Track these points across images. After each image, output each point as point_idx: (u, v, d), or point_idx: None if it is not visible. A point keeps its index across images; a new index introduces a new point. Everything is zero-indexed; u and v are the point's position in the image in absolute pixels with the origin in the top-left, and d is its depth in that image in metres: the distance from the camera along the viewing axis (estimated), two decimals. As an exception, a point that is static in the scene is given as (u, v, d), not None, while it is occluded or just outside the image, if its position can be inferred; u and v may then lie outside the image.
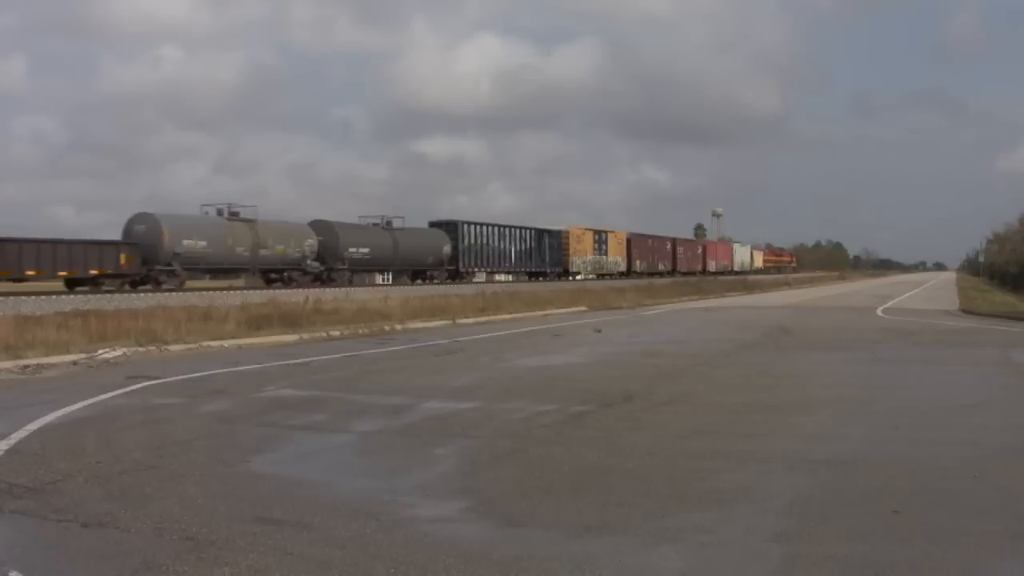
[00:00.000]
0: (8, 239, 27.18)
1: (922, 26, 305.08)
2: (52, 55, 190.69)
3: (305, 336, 17.44)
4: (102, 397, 9.16)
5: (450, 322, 22.29)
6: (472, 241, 46.71)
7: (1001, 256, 66.07)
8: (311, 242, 36.81)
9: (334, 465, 6.38)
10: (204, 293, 27.77)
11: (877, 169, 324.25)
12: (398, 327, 20.02)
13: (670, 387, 9.99)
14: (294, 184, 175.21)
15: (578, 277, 54.43)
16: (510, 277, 48.59)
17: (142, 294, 26.40)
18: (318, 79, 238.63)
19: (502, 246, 49.34)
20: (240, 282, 34.24)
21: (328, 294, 27.73)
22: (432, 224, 46.08)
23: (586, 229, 58.61)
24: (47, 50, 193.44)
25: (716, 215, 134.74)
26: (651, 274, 61.70)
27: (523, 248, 51.23)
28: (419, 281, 41.92)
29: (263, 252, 34.63)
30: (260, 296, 26.74)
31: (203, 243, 32.38)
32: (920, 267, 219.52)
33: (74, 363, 12.52)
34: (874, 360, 13.02)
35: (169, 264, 31.23)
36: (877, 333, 18.57)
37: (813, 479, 5.59)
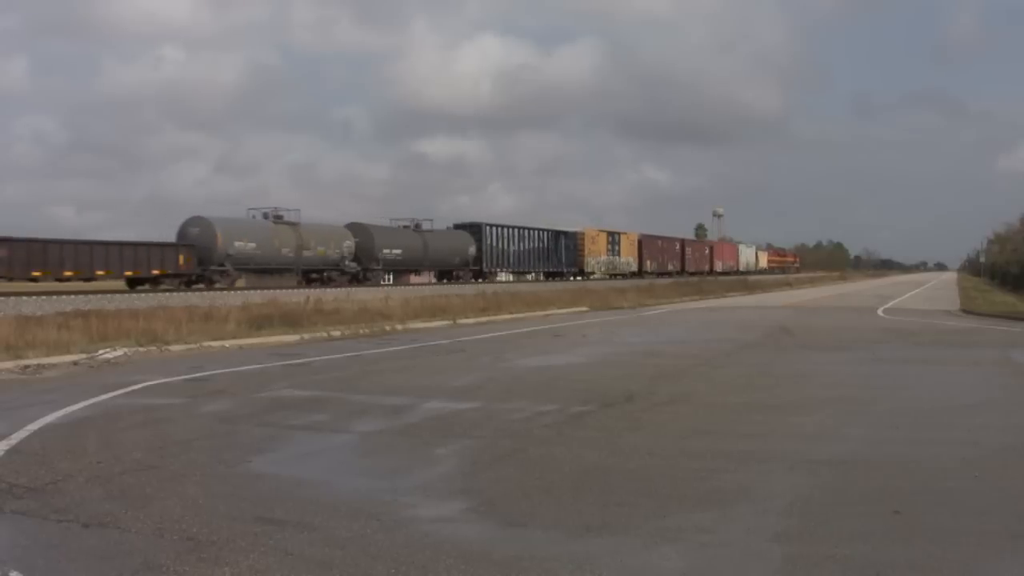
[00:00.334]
0: (82, 241, 29.59)
1: (922, 26, 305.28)
2: (53, 55, 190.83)
3: (306, 336, 17.44)
4: (103, 397, 9.16)
5: (451, 322, 22.29)
6: (494, 242, 48.31)
7: (1002, 256, 66.02)
8: (349, 243, 38.48)
9: (335, 465, 6.39)
10: (205, 293, 27.82)
11: (877, 169, 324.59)
12: (399, 327, 20.02)
13: (671, 387, 9.99)
14: (295, 184, 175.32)
15: (593, 277, 55.70)
16: (531, 276, 50.62)
17: (142, 294, 26.43)
18: (319, 79, 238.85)
19: (522, 247, 50.98)
20: (290, 281, 35.86)
21: (329, 294, 27.76)
22: (457, 226, 47.67)
23: (600, 231, 60.37)
24: (48, 50, 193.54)
25: (717, 215, 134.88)
26: (660, 274, 63.16)
27: (541, 249, 52.80)
28: (445, 281, 43.60)
29: (306, 253, 36.50)
30: (261, 296, 26.75)
31: (252, 245, 34.17)
32: (921, 267, 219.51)
33: (75, 363, 12.53)
34: (875, 360, 13.02)
35: (222, 264, 32.93)
36: (878, 333, 18.57)
37: (814, 479, 5.59)
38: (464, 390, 9.87)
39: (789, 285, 63.97)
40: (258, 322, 18.61)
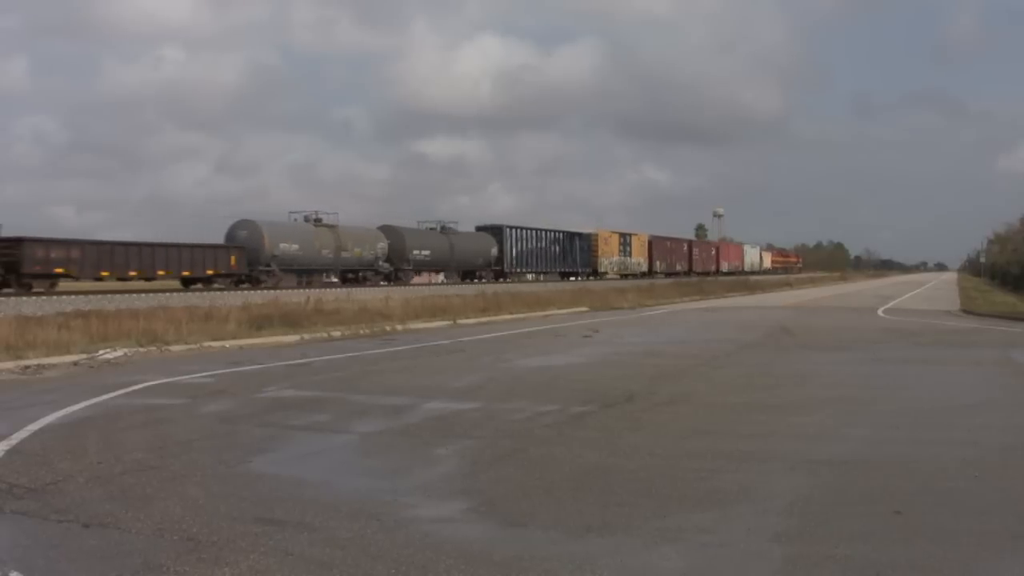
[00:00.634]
0: (144, 244, 31.88)
1: (922, 26, 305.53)
2: (54, 56, 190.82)
3: (306, 336, 17.45)
4: (103, 397, 9.17)
5: (451, 322, 22.30)
6: (514, 244, 50.20)
7: (1002, 256, 65.99)
8: (383, 245, 40.73)
9: (335, 465, 6.38)
10: (205, 294, 27.84)
11: (877, 169, 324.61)
12: (399, 327, 20.02)
13: (671, 387, 9.99)
14: (295, 184, 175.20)
15: (606, 277, 57.28)
16: (553, 276, 52.62)
17: (142, 294, 26.44)
18: (319, 79, 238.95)
19: (539, 248, 52.93)
20: (329, 281, 38.08)
21: (329, 294, 27.78)
22: (479, 228, 49.77)
23: (612, 232, 62.30)
24: (49, 51, 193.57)
25: (717, 215, 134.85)
26: (668, 274, 65.08)
27: (557, 250, 54.68)
28: (468, 280, 45.36)
29: (344, 254, 38.73)
30: (261, 296, 26.78)
31: (295, 246, 36.30)
32: (921, 267, 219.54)
33: (75, 363, 12.53)
34: (875, 360, 13.02)
35: (268, 265, 35.08)
36: (878, 333, 18.57)
37: (814, 479, 5.58)
38: (464, 390, 9.87)
39: (789, 285, 64.03)
40: (258, 322, 18.60)
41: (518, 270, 50.10)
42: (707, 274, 71.51)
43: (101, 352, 13.29)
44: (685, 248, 75.02)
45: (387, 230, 42.00)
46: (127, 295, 26.06)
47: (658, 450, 6.45)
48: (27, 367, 11.85)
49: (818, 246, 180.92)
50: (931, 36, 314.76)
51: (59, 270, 28.45)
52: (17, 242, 27.63)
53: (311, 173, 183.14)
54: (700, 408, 8.59)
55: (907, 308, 30.26)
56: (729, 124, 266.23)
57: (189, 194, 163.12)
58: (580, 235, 57.73)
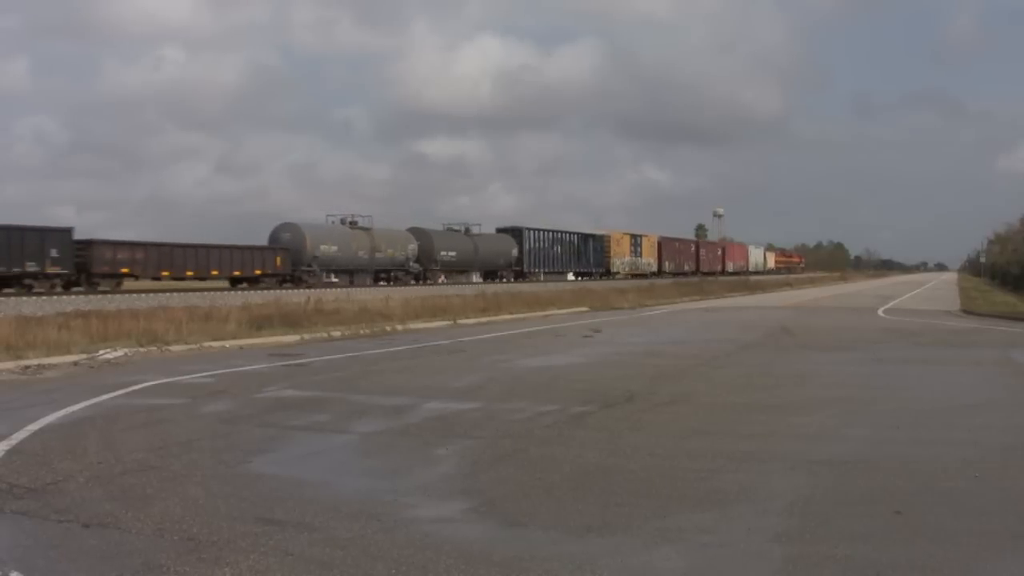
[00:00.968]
0: (200, 245, 33.75)
1: (922, 26, 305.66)
2: (54, 56, 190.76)
3: (306, 336, 17.44)
4: (103, 397, 9.17)
5: (451, 322, 22.29)
6: (533, 245, 52.28)
7: (1002, 257, 66.00)
8: (413, 247, 42.83)
9: (335, 465, 6.38)
10: (205, 293, 27.86)
11: (877, 169, 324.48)
12: (399, 328, 20.02)
13: (671, 387, 9.99)
14: (295, 184, 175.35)
15: (617, 276, 58.70)
16: (566, 276, 54.09)
17: (142, 294, 26.47)
18: (319, 80, 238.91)
19: (557, 249, 54.95)
20: (364, 280, 39.75)
21: (329, 295, 27.77)
22: (499, 230, 51.66)
23: (624, 233, 64.15)
24: (49, 51, 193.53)
25: (717, 215, 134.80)
26: (677, 273, 66.82)
27: (572, 251, 56.58)
28: (489, 280, 46.84)
29: (378, 255, 40.90)
30: (261, 296, 26.79)
31: (334, 248, 38.35)
32: (921, 267, 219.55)
33: (75, 363, 12.53)
34: (875, 360, 13.02)
35: (309, 265, 36.93)
36: (878, 333, 18.57)
37: (814, 479, 5.58)
38: (465, 390, 9.87)
39: (790, 285, 64.11)
40: (258, 322, 18.60)
41: (536, 270, 51.91)
42: (713, 274, 73.38)
43: (101, 352, 13.29)
44: (693, 249, 77.02)
45: (416, 232, 44.01)
46: (127, 295, 26.09)
47: (658, 450, 6.45)
48: (27, 367, 11.85)
49: (818, 246, 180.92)
50: (931, 36, 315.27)
51: (124, 270, 30.64)
52: (88, 244, 29.80)
53: (311, 173, 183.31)
54: (700, 408, 8.59)
55: (907, 308, 30.26)
56: (729, 124, 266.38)
57: (189, 194, 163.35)
58: (593, 236, 59.57)
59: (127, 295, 26.09)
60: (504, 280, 47.48)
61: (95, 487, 5.42)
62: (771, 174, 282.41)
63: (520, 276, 49.70)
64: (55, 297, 23.94)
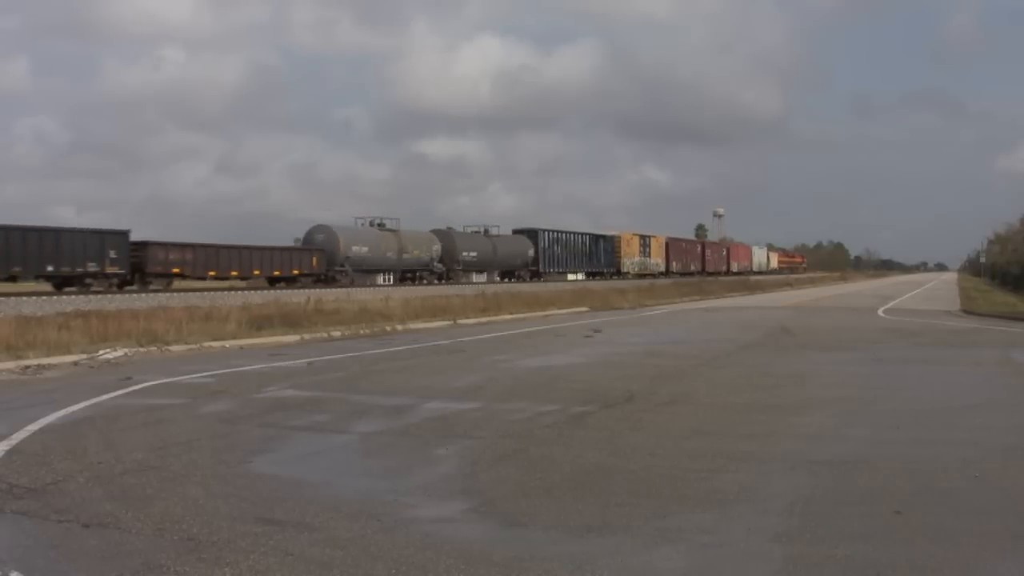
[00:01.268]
0: (244, 247, 35.71)
1: (921, 27, 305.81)
2: (54, 56, 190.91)
3: (306, 336, 17.44)
4: (103, 397, 9.16)
5: (451, 323, 22.29)
6: (548, 245, 53.70)
7: (1002, 257, 65.96)
8: (437, 247, 44.55)
9: (335, 466, 6.38)
10: (205, 294, 27.86)
11: (877, 169, 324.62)
12: (399, 328, 20.02)
13: (671, 387, 9.99)
14: (295, 184, 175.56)
15: (628, 276, 60.23)
16: (580, 276, 55.74)
17: (143, 294, 26.48)
18: (319, 80, 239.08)
19: (570, 249, 56.37)
20: (391, 280, 41.70)
21: (330, 295, 27.78)
22: (516, 231, 53.01)
23: (634, 234, 65.61)
24: (49, 51, 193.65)
25: (717, 215, 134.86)
26: (684, 273, 68.32)
27: (584, 251, 58.11)
28: (507, 280, 48.75)
29: (404, 256, 42.66)
30: (261, 297, 26.79)
31: (365, 249, 40.27)
32: (921, 267, 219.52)
33: (75, 363, 12.53)
34: (875, 360, 13.02)
35: (342, 265, 38.74)
36: (878, 333, 18.57)
37: (814, 479, 5.58)
38: (465, 390, 9.87)
39: (790, 285, 64.15)
40: (258, 322, 18.60)
41: (551, 270, 53.38)
42: (718, 274, 75.02)
43: (101, 352, 13.29)
44: (699, 249, 78.61)
45: (439, 234, 45.88)
46: (127, 295, 26.09)
47: (658, 450, 6.45)
48: (27, 367, 11.85)
49: (818, 246, 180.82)
50: (931, 36, 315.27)
51: (176, 270, 32.47)
52: (143, 245, 31.56)
53: (311, 173, 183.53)
54: (700, 408, 8.59)
55: (907, 308, 30.25)
56: (729, 124, 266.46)
57: (189, 194, 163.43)
58: (604, 237, 61.12)
59: (127, 295, 26.10)
60: (520, 279, 49.21)
61: (95, 487, 5.42)
62: (771, 174, 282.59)
63: (536, 276, 51.07)
64: (55, 297, 23.95)
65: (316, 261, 37.82)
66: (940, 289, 54.74)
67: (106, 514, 4.81)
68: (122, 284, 30.48)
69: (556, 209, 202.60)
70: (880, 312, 27.39)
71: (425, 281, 42.62)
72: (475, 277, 47.23)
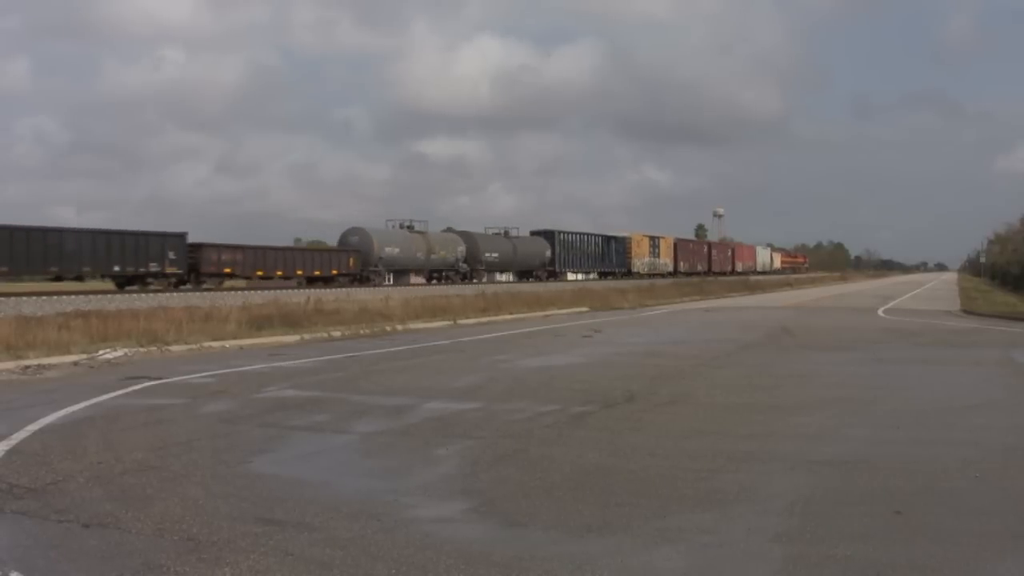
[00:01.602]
0: (287, 248, 38.98)
1: (921, 27, 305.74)
2: (55, 56, 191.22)
3: (306, 337, 17.44)
4: (103, 397, 9.16)
5: (451, 323, 22.29)
6: (564, 246, 55.46)
7: (1002, 257, 65.94)
8: (462, 248, 46.33)
9: (335, 466, 6.38)
10: (206, 294, 27.87)
11: (877, 169, 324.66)
12: (399, 328, 20.01)
13: (672, 387, 9.99)
14: (295, 184, 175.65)
15: (638, 276, 61.72)
16: (594, 275, 57.53)
17: (142, 295, 26.48)
18: (319, 80, 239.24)
19: (584, 250, 58.34)
20: (419, 280, 43.74)
21: (329, 295, 27.79)
22: (533, 233, 54.88)
23: (644, 236, 67.52)
24: (50, 51, 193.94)
25: (717, 215, 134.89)
26: (690, 273, 69.79)
27: (597, 252, 60.03)
28: (526, 279, 50.28)
29: (432, 257, 44.60)
30: (261, 297, 26.76)
31: (397, 250, 42.19)
32: (921, 268, 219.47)
33: (75, 363, 12.53)
34: (875, 360, 13.02)
35: (375, 266, 40.67)
36: (878, 333, 18.57)
37: (815, 479, 5.58)
38: (465, 390, 9.86)
39: (790, 285, 64.16)
40: (258, 322, 18.58)
41: (566, 270, 55.06)
42: (724, 273, 77.02)
43: (101, 352, 13.29)
44: (705, 250, 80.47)
45: (463, 235, 47.63)
46: (127, 296, 26.09)
47: (658, 450, 6.45)
48: (27, 367, 11.85)
49: (818, 246, 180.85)
50: (930, 37, 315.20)
51: (227, 270, 34.53)
52: (199, 247, 33.51)
53: (311, 173, 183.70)
54: (700, 408, 8.59)
55: (907, 308, 30.25)
56: (729, 124, 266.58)
57: (189, 194, 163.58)
58: (616, 238, 62.90)
59: (127, 295, 26.10)
60: (538, 279, 50.97)
61: (95, 487, 5.42)
62: (771, 174, 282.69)
63: (552, 275, 52.58)
64: (55, 297, 23.94)
65: (353, 262, 39.63)
66: (940, 289, 54.75)
67: (106, 514, 4.81)
68: (179, 283, 32.16)
69: (556, 209, 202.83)
70: (880, 312, 27.39)
71: (451, 281, 44.24)
72: (498, 276, 49.15)
